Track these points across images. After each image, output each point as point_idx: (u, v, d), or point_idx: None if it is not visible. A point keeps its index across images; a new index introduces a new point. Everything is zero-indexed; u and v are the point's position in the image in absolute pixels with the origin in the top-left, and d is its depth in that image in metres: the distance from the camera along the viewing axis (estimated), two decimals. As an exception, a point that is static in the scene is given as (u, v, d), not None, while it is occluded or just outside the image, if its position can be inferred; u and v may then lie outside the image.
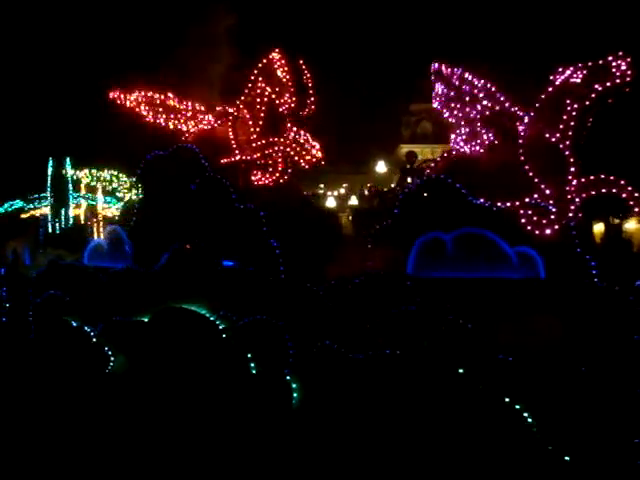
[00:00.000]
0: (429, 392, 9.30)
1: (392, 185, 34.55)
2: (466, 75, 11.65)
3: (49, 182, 22.64)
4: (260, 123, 12.93)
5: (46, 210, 24.33)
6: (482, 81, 11.47)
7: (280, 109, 12.77)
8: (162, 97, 13.41)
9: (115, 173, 19.38)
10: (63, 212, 22.48)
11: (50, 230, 22.91)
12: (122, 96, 13.75)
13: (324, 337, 10.28)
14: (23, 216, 26.30)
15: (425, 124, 48.23)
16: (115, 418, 10.68)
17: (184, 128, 13.58)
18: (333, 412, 9.95)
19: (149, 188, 13.82)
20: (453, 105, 12.00)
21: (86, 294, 13.85)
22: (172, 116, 13.50)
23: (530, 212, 10.72)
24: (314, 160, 12.48)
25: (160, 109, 13.45)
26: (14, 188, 24.84)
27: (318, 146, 12.97)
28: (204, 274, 11.85)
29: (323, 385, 10.31)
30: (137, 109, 13.56)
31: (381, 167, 36.71)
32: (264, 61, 12.86)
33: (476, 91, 11.39)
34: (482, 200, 11.14)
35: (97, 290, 13.61)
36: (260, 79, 12.86)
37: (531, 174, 10.83)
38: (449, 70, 12.02)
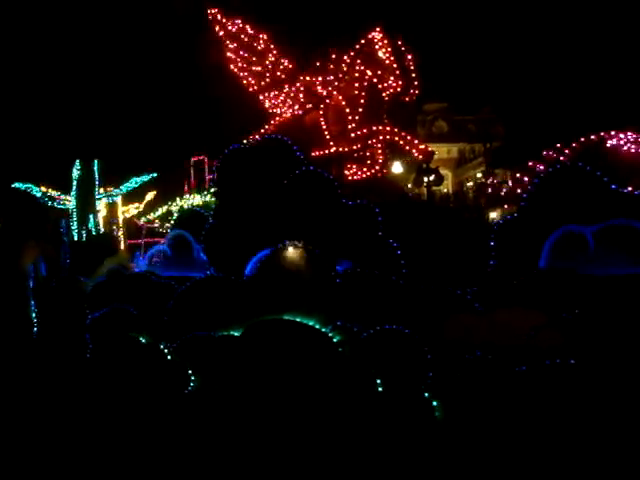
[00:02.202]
0: (613, 411, 8.19)
1: (409, 185, 33.88)
2: None
3: (74, 186, 21.16)
4: (359, 110, 11.75)
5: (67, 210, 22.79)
6: None
7: (383, 94, 11.60)
8: (254, 32, 12.18)
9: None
10: (91, 218, 21.04)
11: (76, 237, 21.38)
12: (220, 17, 12.51)
13: (473, 347, 9.12)
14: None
15: (440, 123, 47.52)
16: (207, 452, 9.26)
17: (267, 102, 12.32)
18: (487, 437, 8.76)
19: (228, 186, 12.55)
20: None
21: (160, 306, 12.52)
22: (259, 69, 12.24)
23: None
24: (425, 149, 11.32)
25: (247, 54, 12.22)
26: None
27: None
28: (314, 279, 10.64)
29: (472, 403, 9.13)
30: (228, 43, 12.32)
31: (397, 168, 36.12)
32: (362, 41, 11.70)
33: None
34: (630, 189, 10.10)
35: (173, 302, 12.27)
36: (358, 61, 11.68)
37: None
38: None
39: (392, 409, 9.61)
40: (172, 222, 16.53)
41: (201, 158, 41.60)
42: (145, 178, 23.15)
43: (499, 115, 45.25)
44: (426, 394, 9.40)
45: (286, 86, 12.27)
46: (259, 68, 12.44)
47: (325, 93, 12.08)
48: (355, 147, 11.79)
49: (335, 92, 12.05)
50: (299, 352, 10.32)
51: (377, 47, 11.54)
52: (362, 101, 11.71)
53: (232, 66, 12.81)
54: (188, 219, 15.22)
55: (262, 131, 12.91)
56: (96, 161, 21.12)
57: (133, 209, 27.64)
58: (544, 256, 10.51)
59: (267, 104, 12.91)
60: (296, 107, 12.32)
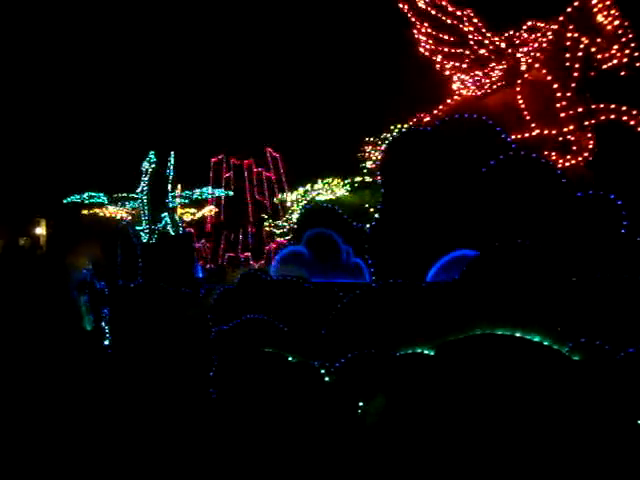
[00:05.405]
0: None
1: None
2: None
3: (146, 180, 19.49)
4: (572, 86, 10.23)
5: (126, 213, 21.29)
6: None
7: (604, 66, 10.09)
8: (458, 12, 10.72)
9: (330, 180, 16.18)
10: (167, 217, 19.38)
11: (145, 239, 19.70)
12: None
13: None
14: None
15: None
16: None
17: (464, 82, 10.82)
18: None
19: (401, 176, 11.01)
20: None
21: (310, 319, 11.02)
22: (457, 51, 10.74)
23: None
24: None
25: (446, 36, 10.76)
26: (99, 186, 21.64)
27: None
28: (544, 286, 9.09)
29: None
30: (417, 24, 10.86)
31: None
32: (576, 3, 10.19)
33: None
34: None
35: (336, 313, 10.72)
36: (571, 27, 10.18)
37: None
38: None
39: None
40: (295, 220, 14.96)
41: (220, 158, 40.19)
42: (220, 193, 21.80)
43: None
44: None
45: (493, 65, 10.76)
46: (460, 50, 10.98)
47: (525, 67, 10.57)
48: (567, 129, 10.25)
49: (537, 65, 10.54)
50: (522, 376, 8.82)
51: (596, 10, 10.05)
52: (575, 74, 10.19)
53: (422, 49, 11.37)
54: (320, 217, 13.65)
55: (436, 112, 11.38)
56: (172, 154, 19.60)
57: (189, 215, 26.31)
58: None
59: (456, 85, 11.40)
60: (487, 86, 10.83)
